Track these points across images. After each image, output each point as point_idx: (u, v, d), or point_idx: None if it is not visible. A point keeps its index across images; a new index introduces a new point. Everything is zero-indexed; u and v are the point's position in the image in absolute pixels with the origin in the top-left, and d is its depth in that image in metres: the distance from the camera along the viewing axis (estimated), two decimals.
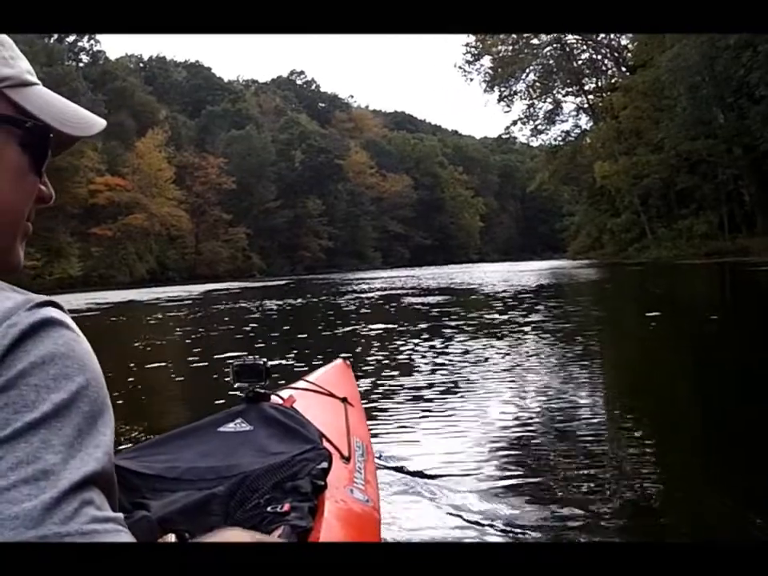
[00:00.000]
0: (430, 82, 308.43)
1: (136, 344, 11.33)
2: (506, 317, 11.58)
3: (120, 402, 6.33)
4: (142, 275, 63.62)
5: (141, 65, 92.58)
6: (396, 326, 11.37)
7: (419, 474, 3.67)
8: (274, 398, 2.55)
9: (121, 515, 0.69)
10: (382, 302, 19.08)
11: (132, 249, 64.47)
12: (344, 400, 2.99)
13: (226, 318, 16.82)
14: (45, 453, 0.65)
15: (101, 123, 0.95)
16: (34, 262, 51.96)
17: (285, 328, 12.69)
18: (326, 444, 2.19)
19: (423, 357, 7.78)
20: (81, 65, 74.13)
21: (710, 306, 13.06)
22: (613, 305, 15.20)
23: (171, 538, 1.48)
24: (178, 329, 13.76)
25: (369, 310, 16.27)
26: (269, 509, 1.68)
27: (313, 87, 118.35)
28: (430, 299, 17.47)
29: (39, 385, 0.68)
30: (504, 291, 19.29)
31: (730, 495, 3.27)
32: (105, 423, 0.72)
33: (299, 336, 10.95)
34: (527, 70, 53.49)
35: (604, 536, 2.82)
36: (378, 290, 25.34)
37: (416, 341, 9.08)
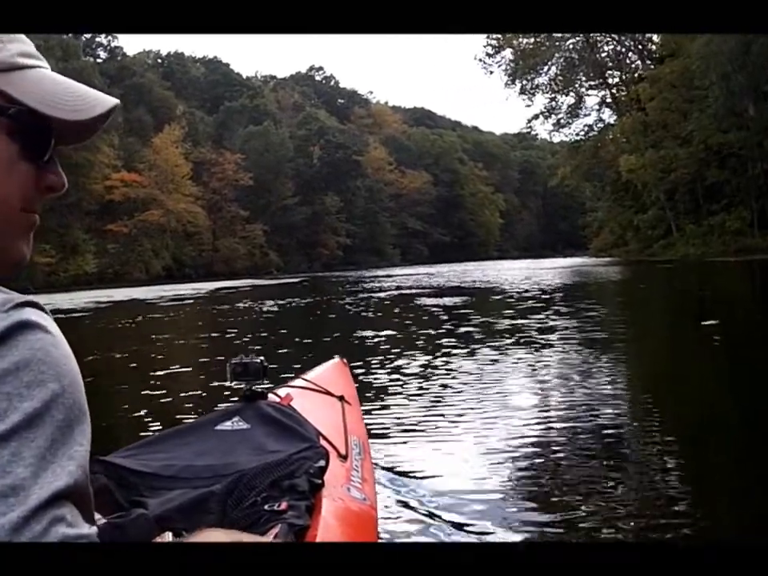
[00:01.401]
0: (450, 77, 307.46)
1: (97, 351, 10.44)
2: (527, 321, 10.54)
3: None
4: (158, 272, 63.31)
5: (159, 60, 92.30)
6: (399, 332, 10.35)
7: (417, 473, 3.64)
8: (271, 397, 2.58)
9: (94, 531, 0.67)
10: (392, 302, 18.19)
11: (148, 245, 64.18)
12: (341, 398, 3.00)
13: (202, 322, 16.07)
14: (15, 466, 0.63)
15: (105, 103, 0.90)
16: (48, 258, 51.88)
17: (264, 334, 11.70)
18: (323, 442, 2.19)
19: (426, 370, 6.89)
20: (98, 60, 73.89)
21: None
22: (656, 310, 13.49)
23: (168, 536, 1.48)
24: (154, 334, 12.72)
25: (376, 313, 15.23)
26: (266, 507, 1.68)
27: (332, 83, 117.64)
28: (446, 300, 16.41)
29: (11, 393, 0.66)
30: (525, 291, 18.23)
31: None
32: (81, 432, 0.70)
33: (285, 343, 9.98)
34: (549, 63, 52.41)
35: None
36: (393, 288, 24.46)
37: (418, 352, 8.10)
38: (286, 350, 8.57)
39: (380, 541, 2.41)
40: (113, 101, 0.90)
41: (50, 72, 0.87)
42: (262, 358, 2.54)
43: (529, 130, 60.10)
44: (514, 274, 30.51)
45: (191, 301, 24.95)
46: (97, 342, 11.84)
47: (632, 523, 2.96)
